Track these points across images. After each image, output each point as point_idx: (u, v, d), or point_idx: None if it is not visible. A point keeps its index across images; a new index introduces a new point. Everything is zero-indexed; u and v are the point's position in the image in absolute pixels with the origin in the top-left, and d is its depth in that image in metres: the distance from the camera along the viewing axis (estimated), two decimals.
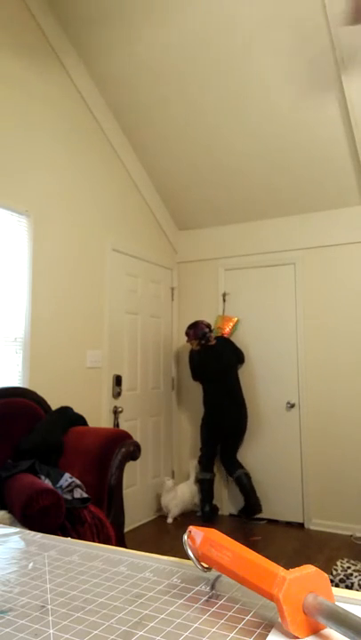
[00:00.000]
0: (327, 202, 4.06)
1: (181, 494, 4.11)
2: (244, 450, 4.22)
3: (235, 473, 4.05)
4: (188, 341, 4.27)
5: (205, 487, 4.14)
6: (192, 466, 4.29)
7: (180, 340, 4.73)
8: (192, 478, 4.25)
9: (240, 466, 4.09)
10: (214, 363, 4.13)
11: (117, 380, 3.84)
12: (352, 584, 2.26)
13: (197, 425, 4.45)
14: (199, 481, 4.17)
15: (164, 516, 4.12)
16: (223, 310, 4.52)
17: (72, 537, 2.08)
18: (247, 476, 4.05)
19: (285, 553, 3.44)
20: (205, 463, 4.17)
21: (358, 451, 3.87)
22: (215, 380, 4.13)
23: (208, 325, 4.21)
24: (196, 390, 4.50)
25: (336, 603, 0.47)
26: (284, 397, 4.21)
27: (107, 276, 3.80)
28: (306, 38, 3.06)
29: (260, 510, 4.00)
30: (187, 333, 4.23)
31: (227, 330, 4.37)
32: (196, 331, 4.16)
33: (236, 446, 4.17)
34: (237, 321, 4.41)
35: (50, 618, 0.49)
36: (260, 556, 0.49)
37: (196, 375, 4.26)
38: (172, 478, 4.05)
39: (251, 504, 4.00)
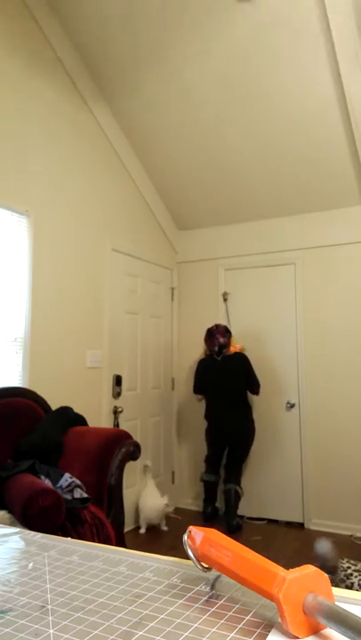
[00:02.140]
0: (327, 202, 4.06)
1: (142, 506, 3.83)
2: None
3: (227, 485, 3.94)
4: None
5: (208, 489, 4.06)
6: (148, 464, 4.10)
7: (180, 340, 4.73)
8: (150, 480, 3.96)
9: (237, 481, 3.95)
10: (220, 374, 4.01)
11: (117, 380, 3.84)
12: (352, 584, 2.26)
13: (197, 425, 4.46)
14: (203, 482, 4.11)
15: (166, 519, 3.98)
16: (226, 310, 4.50)
17: (72, 537, 2.08)
18: (237, 494, 3.90)
19: (285, 553, 3.44)
20: (211, 465, 4.08)
21: (358, 451, 3.87)
22: (218, 393, 4.00)
23: (225, 334, 4.06)
24: None
25: (336, 603, 0.47)
26: (284, 397, 4.21)
27: (107, 275, 3.80)
28: (305, 39, 3.06)
29: (234, 530, 3.84)
30: (204, 339, 4.19)
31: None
32: (213, 342, 4.07)
33: (240, 458, 4.01)
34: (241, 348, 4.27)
35: (50, 618, 0.49)
36: (260, 556, 0.49)
37: (198, 386, 4.14)
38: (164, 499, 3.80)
39: (228, 522, 3.87)
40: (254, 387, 4.04)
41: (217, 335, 4.06)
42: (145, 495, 3.85)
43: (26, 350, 3.02)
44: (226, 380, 3.99)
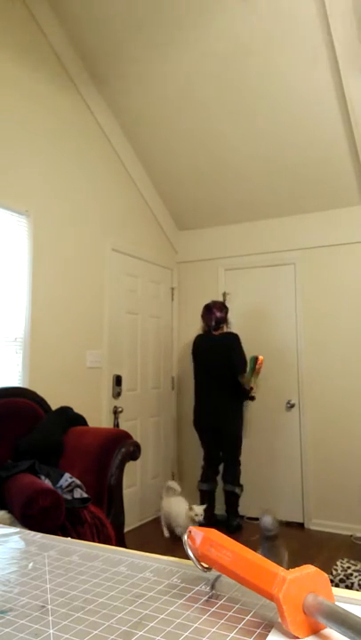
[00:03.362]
0: (327, 202, 4.06)
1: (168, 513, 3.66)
2: (244, 449, 4.15)
3: (225, 485, 3.88)
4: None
5: (203, 498, 3.91)
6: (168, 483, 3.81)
7: (180, 340, 4.73)
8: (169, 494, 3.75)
9: (234, 480, 3.86)
10: (209, 353, 3.92)
11: (117, 380, 3.84)
12: (352, 584, 2.26)
13: None
14: (199, 491, 3.97)
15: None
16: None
17: (72, 537, 2.08)
18: (235, 495, 3.84)
19: None
20: (205, 471, 3.97)
21: (358, 451, 3.87)
22: (205, 372, 3.94)
23: (223, 309, 3.98)
24: None
25: (336, 603, 0.47)
26: (284, 397, 4.21)
27: (106, 276, 3.80)
28: (305, 38, 3.06)
29: (234, 530, 3.78)
30: (201, 315, 4.07)
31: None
32: (210, 316, 3.97)
33: (229, 448, 3.90)
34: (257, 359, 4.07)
35: (50, 618, 0.49)
36: (260, 555, 0.49)
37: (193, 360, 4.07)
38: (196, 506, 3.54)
39: (228, 522, 3.83)
40: (239, 367, 3.86)
41: (214, 310, 3.97)
42: (170, 502, 3.69)
43: (26, 350, 3.02)
44: (213, 360, 3.89)
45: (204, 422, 3.95)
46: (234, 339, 3.93)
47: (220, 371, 3.87)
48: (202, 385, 3.97)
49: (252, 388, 3.94)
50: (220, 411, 3.87)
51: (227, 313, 4.03)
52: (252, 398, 4.02)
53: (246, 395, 3.93)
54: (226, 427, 3.88)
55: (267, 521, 2.39)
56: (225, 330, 4.02)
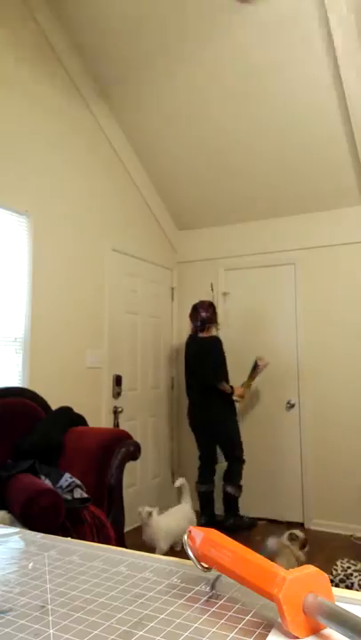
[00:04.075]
0: (327, 202, 4.06)
1: (165, 526, 3.16)
2: (243, 449, 4.14)
3: (223, 484, 3.87)
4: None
5: (202, 499, 3.91)
6: (181, 483, 3.48)
7: (180, 340, 4.72)
8: (185, 500, 3.45)
9: (230, 480, 3.84)
10: (192, 356, 3.94)
11: (117, 380, 3.84)
12: (352, 584, 2.26)
13: None
14: (197, 492, 3.93)
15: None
16: (214, 299, 4.39)
17: (72, 537, 2.08)
18: (229, 494, 3.83)
19: None
20: (201, 472, 3.97)
21: (358, 451, 3.87)
22: (189, 372, 3.98)
23: (209, 308, 3.94)
24: None
25: (336, 603, 0.47)
26: (284, 397, 4.21)
27: (106, 276, 3.80)
28: (306, 38, 3.06)
29: (230, 530, 3.71)
30: (189, 315, 4.06)
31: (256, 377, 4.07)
32: (196, 316, 3.96)
33: (226, 450, 3.90)
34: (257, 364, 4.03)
35: (50, 618, 0.49)
36: (260, 555, 0.49)
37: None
38: (148, 507, 3.17)
39: (226, 522, 3.81)
40: (210, 374, 3.77)
41: (199, 310, 3.95)
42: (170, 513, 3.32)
43: (26, 350, 3.02)
44: (196, 362, 3.90)
45: (195, 422, 3.98)
46: (213, 345, 3.88)
47: (198, 371, 3.89)
48: (190, 385, 4.01)
49: (232, 392, 3.89)
50: (207, 411, 3.88)
51: (214, 312, 3.99)
52: (235, 399, 3.98)
53: (230, 396, 3.92)
54: (216, 426, 3.89)
55: (270, 542, 2.54)
56: (213, 331, 3.99)
